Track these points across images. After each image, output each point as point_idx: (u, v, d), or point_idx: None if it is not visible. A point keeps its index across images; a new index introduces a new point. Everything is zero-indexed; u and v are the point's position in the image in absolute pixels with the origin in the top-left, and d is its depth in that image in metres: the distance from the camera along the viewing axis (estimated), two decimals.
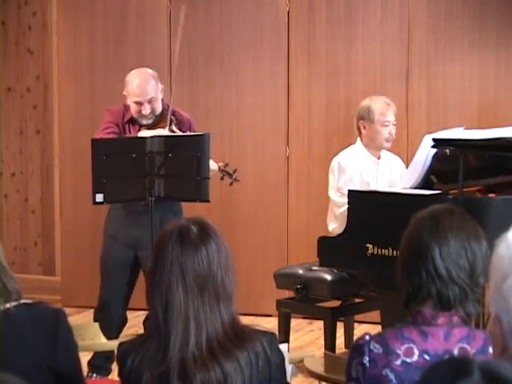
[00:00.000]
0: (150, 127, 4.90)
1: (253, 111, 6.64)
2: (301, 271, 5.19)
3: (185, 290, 2.25)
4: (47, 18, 7.06)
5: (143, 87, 4.90)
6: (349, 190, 4.72)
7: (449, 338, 2.22)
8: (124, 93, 4.98)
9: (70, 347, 2.52)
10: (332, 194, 5.16)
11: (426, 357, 2.21)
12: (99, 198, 4.66)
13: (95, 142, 4.68)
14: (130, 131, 4.95)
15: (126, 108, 4.99)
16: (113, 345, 3.93)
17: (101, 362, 4.96)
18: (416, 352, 2.21)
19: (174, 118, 4.91)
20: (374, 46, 6.35)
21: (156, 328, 2.29)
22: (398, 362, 2.21)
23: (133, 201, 4.97)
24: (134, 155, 4.69)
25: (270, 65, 6.58)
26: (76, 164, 6.77)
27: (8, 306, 2.42)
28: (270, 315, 6.16)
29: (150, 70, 5.04)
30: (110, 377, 4.96)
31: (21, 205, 7.30)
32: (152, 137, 4.76)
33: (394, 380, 2.20)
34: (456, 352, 2.21)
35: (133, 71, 5.04)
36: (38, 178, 7.23)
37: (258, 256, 6.62)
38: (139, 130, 4.93)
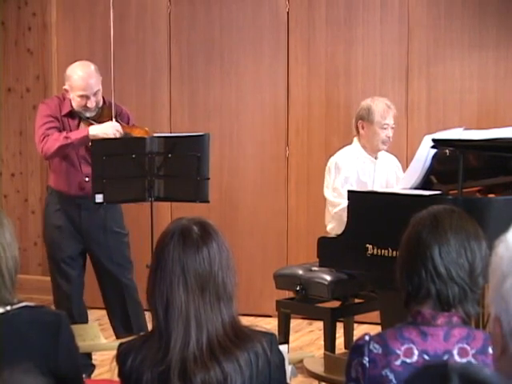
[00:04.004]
0: (93, 119, 4.87)
1: (253, 111, 6.64)
2: (301, 272, 5.19)
3: (186, 290, 2.25)
4: (47, 18, 7.06)
5: (88, 80, 4.85)
6: (348, 191, 4.72)
7: (448, 338, 2.22)
8: (65, 87, 4.90)
9: (72, 351, 2.51)
10: (328, 193, 5.16)
11: (426, 357, 2.21)
12: (99, 198, 4.66)
13: (95, 143, 4.68)
14: (69, 125, 4.90)
15: (61, 101, 4.93)
16: (113, 345, 3.93)
17: (82, 360, 4.83)
18: (416, 352, 2.21)
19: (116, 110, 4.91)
20: (374, 46, 6.35)
21: (157, 328, 2.29)
22: (398, 363, 2.21)
23: (133, 201, 4.98)
24: (133, 155, 4.70)
25: (270, 65, 6.58)
26: None
27: None
28: (269, 316, 6.16)
29: (91, 64, 4.98)
30: (109, 377, 4.94)
31: (21, 205, 7.30)
32: (152, 137, 4.77)
33: (394, 380, 2.20)
34: (456, 352, 2.21)
35: (74, 64, 4.97)
36: (37, 178, 7.24)
37: (257, 256, 6.62)
38: (79, 124, 4.89)
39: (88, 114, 4.88)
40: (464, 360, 2.21)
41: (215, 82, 6.69)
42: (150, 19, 6.78)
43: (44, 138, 4.82)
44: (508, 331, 1.39)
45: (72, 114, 4.90)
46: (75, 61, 6.12)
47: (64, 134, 4.82)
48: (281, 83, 6.57)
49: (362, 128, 5.19)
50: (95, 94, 4.86)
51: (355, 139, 5.27)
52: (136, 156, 4.70)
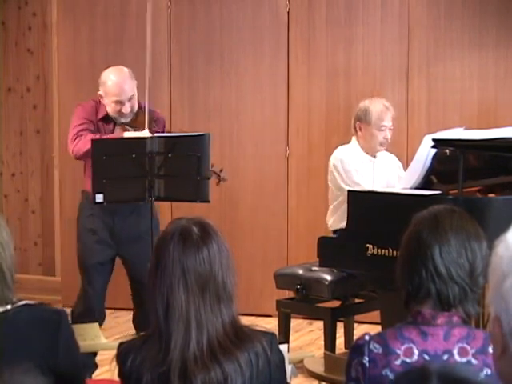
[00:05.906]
0: (128, 124, 4.87)
1: (253, 111, 6.64)
2: (301, 271, 5.19)
3: (186, 291, 2.25)
4: (47, 18, 7.07)
5: (123, 86, 4.85)
6: (348, 191, 4.72)
7: (448, 337, 2.22)
8: (100, 92, 4.89)
9: (71, 349, 2.51)
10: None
11: (426, 357, 2.21)
12: (99, 198, 4.66)
13: (95, 142, 4.68)
14: (104, 129, 4.91)
15: (98, 105, 4.93)
16: (113, 345, 3.93)
17: (86, 361, 4.81)
18: (416, 352, 2.21)
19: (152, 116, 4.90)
20: (374, 46, 6.35)
21: (157, 328, 2.29)
22: (398, 362, 2.21)
23: (133, 201, 4.97)
24: (133, 155, 4.69)
25: (270, 65, 6.58)
26: (76, 164, 6.76)
27: None
28: (270, 315, 6.16)
29: (125, 68, 4.97)
30: (109, 377, 4.94)
31: (21, 205, 7.30)
32: (152, 137, 4.77)
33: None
34: (456, 352, 2.21)
35: (108, 70, 4.96)
36: (38, 178, 7.24)
37: (258, 256, 6.62)
38: (113, 128, 4.89)
39: (123, 120, 4.88)
40: (464, 359, 2.21)
41: (215, 82, 6.69)
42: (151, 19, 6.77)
43: (76, 138, 4.83)
44: (508, 331, 1.39)
45: (107, 118, 4.91)
46: (75, 61, 6.15)
47: (98, 136, 4.81)
48: (281, 83, 6.57)
49: (360, 129, 5.19)
50: (130, 100, 4.85)
51: (353, 138, 5.28)
52: (136, 156, 4.69)
